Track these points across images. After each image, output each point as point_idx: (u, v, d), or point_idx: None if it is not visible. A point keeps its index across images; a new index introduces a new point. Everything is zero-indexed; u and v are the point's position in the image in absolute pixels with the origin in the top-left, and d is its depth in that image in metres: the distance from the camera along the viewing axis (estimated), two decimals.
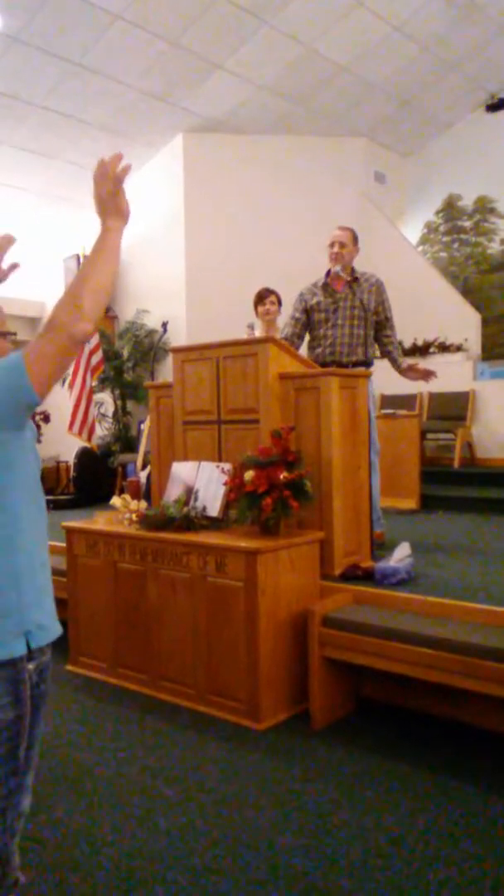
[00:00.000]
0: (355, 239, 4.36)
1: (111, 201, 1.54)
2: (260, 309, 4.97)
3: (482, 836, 2.28)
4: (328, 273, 4.33)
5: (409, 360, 4.49)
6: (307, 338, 4.46)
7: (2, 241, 1.70)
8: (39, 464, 1.60)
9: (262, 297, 4.96)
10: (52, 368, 1.43)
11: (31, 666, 1.50)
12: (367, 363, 4.33)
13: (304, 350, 4.42)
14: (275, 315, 4.91)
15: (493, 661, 2.59)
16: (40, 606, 1.52)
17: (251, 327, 4.80)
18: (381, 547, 4.09)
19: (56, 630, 1.58)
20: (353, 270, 4.35)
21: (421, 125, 8.82)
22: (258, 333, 4.67)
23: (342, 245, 4.27)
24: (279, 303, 4.97)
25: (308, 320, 4.40)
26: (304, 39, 6.97)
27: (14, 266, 1.75)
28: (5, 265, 1.74)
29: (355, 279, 4.30)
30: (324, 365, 4.21)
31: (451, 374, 7.56)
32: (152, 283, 8.52)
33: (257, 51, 7.00)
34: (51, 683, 1.60)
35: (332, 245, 4.31)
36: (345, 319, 4.25)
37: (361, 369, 4.08)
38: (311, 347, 4.41)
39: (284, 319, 4.83)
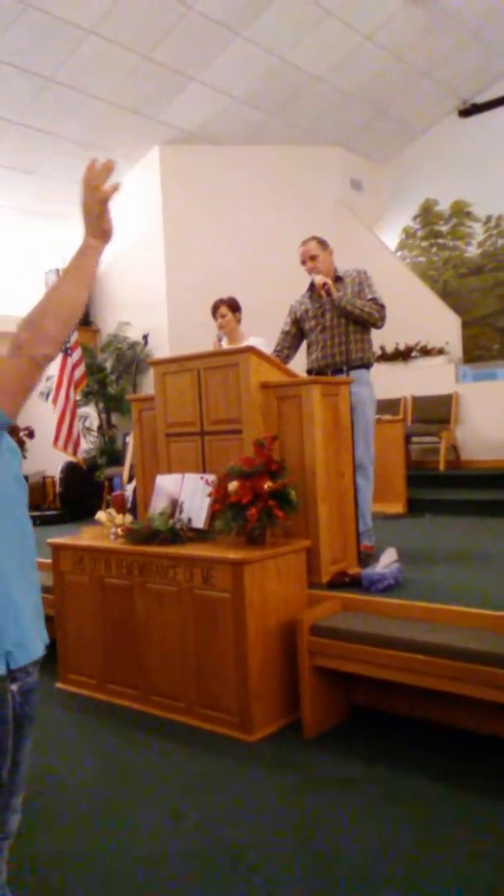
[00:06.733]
0: (323, 244, 4.31)
1: (95, 220, 1.52)
2: (216, 324, 4.78)
3: (478, 840, 2.27)
4: (312, 283, 4.31)
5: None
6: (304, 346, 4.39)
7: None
8: (24, 484, 1.57)
9: (213, 311, 4.77)
10: (18, 389, 1.43)
11: (14, 687, 1.49)
12: (365, 365, 4.26)
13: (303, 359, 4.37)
14: (232, 324, 4.70)
15: (484, 664, 2.59)
16: (20, 626, 1.51)
17: (220, 339, 4.73)
18: (369, 557, 4.01)
19: (39, 650, 1.56)
20: (335, 271, 4.32)
21: (395, 132, 8.90)
22: (224, 345, 4.61)
23: (312, 258, 4.25)
24: (234, 309, 4.73)
25: (299, 331, 4.38)
26: (276, 50, 7.01)
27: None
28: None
29: (339, 279, 4.27)
30: (319, 370, 4.20)
31: (434, 378, 7.61)
32: (133, 296, 8.51)
33: (231, 62, 7.04)
34: (35, 706, 1.57)
35: (303, 262, 4.30)
36: (333, 320, 4.20)
37: (344, 377, 4.05)
38: (307, 355, 4.36)
39: (246, 325, 4.77)
